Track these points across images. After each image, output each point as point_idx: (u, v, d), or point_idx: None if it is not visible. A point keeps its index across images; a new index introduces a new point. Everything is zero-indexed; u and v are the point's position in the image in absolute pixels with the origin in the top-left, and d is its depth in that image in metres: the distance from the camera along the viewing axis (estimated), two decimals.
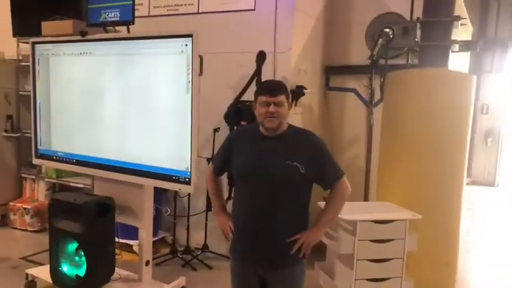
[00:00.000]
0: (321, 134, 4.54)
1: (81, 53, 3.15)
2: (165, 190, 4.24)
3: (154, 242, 4.32)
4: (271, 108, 1.94)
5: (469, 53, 5.02)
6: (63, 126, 3.34)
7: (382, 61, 3.85)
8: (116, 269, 3.20)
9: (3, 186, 4.80)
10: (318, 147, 2.03)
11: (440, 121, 2.94)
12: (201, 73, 2.71)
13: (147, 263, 3.18)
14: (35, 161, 3.55)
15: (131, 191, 3.07)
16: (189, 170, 2.73)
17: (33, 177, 4.82)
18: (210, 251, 4.18)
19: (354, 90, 4.44)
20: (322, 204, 3.00)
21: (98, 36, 3.08)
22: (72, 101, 3.26)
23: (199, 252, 4.13)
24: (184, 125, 2.70)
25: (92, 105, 3.15)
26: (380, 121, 3.52)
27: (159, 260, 3.99)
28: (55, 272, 2.99)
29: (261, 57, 3.76)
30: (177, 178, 2.78)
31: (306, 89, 3.96)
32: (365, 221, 2.58)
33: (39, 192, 4.81)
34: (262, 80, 3.66)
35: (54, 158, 3.40)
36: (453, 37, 3.09)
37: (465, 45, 3.22)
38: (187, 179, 2.74)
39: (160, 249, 4.31)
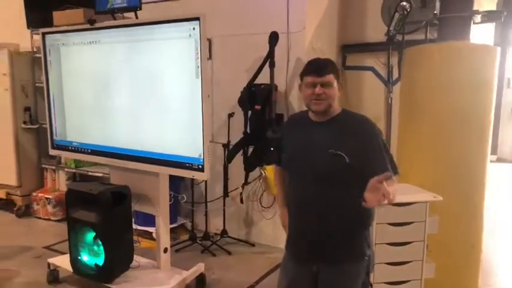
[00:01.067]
0: None
1: (90, 42, 3.12)
2: (182, 177, 4.25)
3: (173, 229, 4.37)
4: (318, 90, 1.76)
5: (494, 24, 4.79)
6: (77, 116, 3.34)
7: (399, 37, 3.69)
8: (135, 256, 3.23)
9: (26, 177, 4.88)
10: (369, 134, 1.79)
11: (462, 97, 2.80)
12: (210, 57, 2.64)
13: (165, 250, 3.19)
14: (52, 152, 3.57)
15: (146, 179, 3.07)
16: (202, 156, 2.68)
17: (54, 167, 4.89)
18: (229, 236, 4.17)
19: (372, 69, 4.30)
20: None
21: (105, 23, 3.04)
22: (84, 90, 3.25)
23: (218, 238, 4.13)
24: (195, 111, 2.65)
25: (103, 94, 3.13)
26: (399, 99, 3.39)
27: (178, 247, 4.01)
28: (75, 261, 3.02)
29: (273, 38, 3.66)
30: (190, 165, 2.75)
31: None
32: (383, 204, 2.49)
33: (60, 182, 4.88)
34: (276, 63, 3.60)
35: (70, 148, 3.41)
36: (475, 7, 2.92)
37: (488, 16, 3.03)
38: (200, 166, 2.70)
39: (180, 236, 4.33)
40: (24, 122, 4.78)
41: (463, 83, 2.80)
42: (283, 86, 3.89)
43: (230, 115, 3.98)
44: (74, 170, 4.75)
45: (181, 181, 4.36)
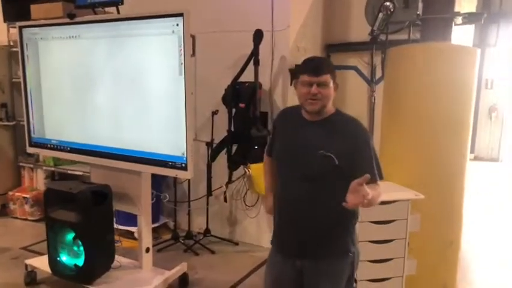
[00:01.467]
0: None
1: (70, 37, 3.04)
2: (165, 176, 4.19)
3: (155, 228, 4.32)
4: (314, 89, 1.74)
5: (473, 26, 4.87)
6: (56, 113, 3.26)
7: (383, 37, 3.71)
8: (117, 256, 3.17)
9: (2, 175, 4.75)
10: (360, 138, 1.80)
11: (443, 97, 2.83)
12: (193, 54, 2.62)
13: (147, 249, 3.14)
14: (29, 150, 3.48)
15: (128, 178, 3.01)
16: (185, 155, 2.65)
17: (31, 165, 4.77)
18: (213, 235, 4.15)
19: (355, 68, 4.32)
20: None
21: (86, 18, 2.97)
22: (63, 87, 3.17)
23: (201, 237, 4.09)
24: (178, 108, 2.61)
25: (83, 90, 3.06)
26: (382, 99, 3.42)
27: (160, 246, 3.96)
28: (54, 262, 2.95)
29: (258, 36, 3.64)
30: (173, 164, 2.71)
31: None
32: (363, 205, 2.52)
33: (38, 181, 4.76)
34: (260, 61, 3.58)
35: (49, 146, 3.32)
36: (456, 9, 2.96)
37: (469, 18, 3.07)
38: (183, 165, 2.67)
39: (162, 235, 4.28)
40: (0, 119, 4.64)
41: (445, 83, 2.83)
42: (268, 84, 3.88)
43: (214, 113, 3.95)
44: (52, 169, 4.64)
45: (164, 180, 4.30)
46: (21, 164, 4.84)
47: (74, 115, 3.15)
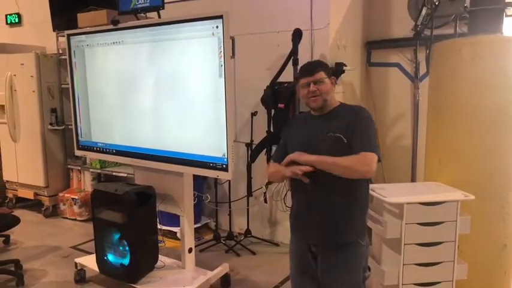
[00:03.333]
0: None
1: (113, 43, 3.13)
2: (205, 177, 4.25)
3: (197, 228, 4.38)
4: (312, 87, 1.94)
5: None
6: (101, 117, 3.37)
7: (427, 32, 3.58)
8: (160, 256, 3.24)
9: (53, 177, 4.97)
10: (360, 116, 1.96)
11: (494, 93, 2.68)
12: (233, 55, 2.62)
13: (190, 250, 3.18)
14: (77, 153, 3.62)
15: (170, 179, 3.06)
16: (226, 156, 2.66)
17: (79, 168, 4.96)
18: (253, 236, 4.15)
19: (398, 65, 4.20)
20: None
21: (128, 24, 3.05)
22: (108, 91, 3.27)
23: (242, 238, 4.10)
24: (218, 110, 2.63)
25: (127, 94, 3.14)
26: (426, 96, 3.29)
27: (203, 247, 4.01)
28: (101, 261, 3.04)
29: (297, 35, 3.61)
30: (214, 165, 2.73)
31: (345, 65, 3.77)
32: (412, 203, 2.41)
33: (85, 183, 4.95)
34: (299, 61, 3.54)
35: (95, 149, 3.44)
36: None
37: None
38: (224, 166, 2.68)
39: (204, 236, 4.32)
40: (51, 124, 4.86)
41: (495, 78, 2.68)
42: None
43: (253, 114, 3.95)
44: (99, 171, 4.81)
45: (205, 181, 4.35)
46: (69, 166, 5.05)
47: (118, 118, 3.24)
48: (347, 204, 1.95)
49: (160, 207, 3.17)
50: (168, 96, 2.90)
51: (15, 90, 4.88)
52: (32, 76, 4.71)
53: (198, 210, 4.37)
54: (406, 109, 4.19)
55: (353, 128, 1.90)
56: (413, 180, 4.12)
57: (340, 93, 3.94)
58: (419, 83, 4.04)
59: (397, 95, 4.26)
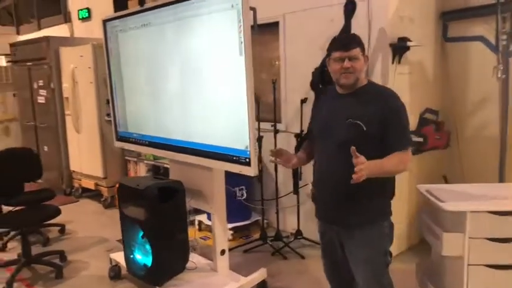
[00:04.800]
0: (438, 99, 3.70)
1: (142, 25, 2.92)
2: None
3: (247, 226, 4.08)
4: (346, 63, 1.85)
5: None
6: (135, 105, 3.20)
7: None
8: (195, 256, 3.01)
9: (111, 168, 5.00)
10: (390, 106, 1.85)
11: None
12: (253, 29, 2.22)
13: (223, 252, 2.88)
14: (116, 144, 3.50)
15: (200, 173, 2.78)
16: (249, 148, 2.29)
17: (135, 159, 4.92)
18: (305, 238, 3.73)
19: (481, 38, 3.45)
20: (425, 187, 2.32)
21: (152, 3, 2.80)
22: (139, 78, 3.09)
23: (291, 239, 3.71)
24: (240, 94, 2.26)
25: (156, 81, 2.92)
26: None
27: (248, 247, 3.69)
28: (128, 260, 2.88)
29: (349, 8, 3.09)
30: (237, 158, 2.38)
31: (410, 41, 3.16)
32: (479, 212, 1.83)
33: (141, 174, 4.89)
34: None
35: (131, 140, 3.28)
36: None
37: None
38: (247, 160, 2.31)
39: (253, 234, 4.00)
40: (108, 114, 4.86)
41: None
42: None
43: (303, 101, 3.52)
44: (152, 162, 4.72)
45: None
46: (127, 157, 5.04)
47: (149, 107, 3.04)
48: (367, 183, 1.75)
49: (192, 203, 2.92)
50: (193, 80, 2.61)
51: (77, 82, 4.97)
52: (90, 67, 4.75)
53: (247, 207, 4.06)
54: (492, 92, 3.43)
55: (385, 122, 1.82)
56: (501, 180, 3.38)
57: (405, 74, 3.34)
58: (509, 59, 3.28)
59: (480, 75, 3.51)
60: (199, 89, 2.56)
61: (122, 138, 3.39)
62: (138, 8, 2.88)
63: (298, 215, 3.72)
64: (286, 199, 3.83)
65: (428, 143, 3.39)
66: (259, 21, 4.05)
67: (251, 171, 2.31)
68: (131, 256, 2.84)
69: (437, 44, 3.62)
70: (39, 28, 7.40)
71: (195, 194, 2.87)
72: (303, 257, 3.48)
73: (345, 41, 1.94)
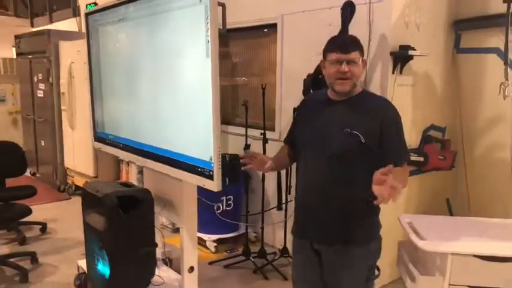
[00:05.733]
0: (446, 114, 3.38)
1: (119, 20, 2.71)
2: (249, 177, 3.74)
3: (235, 238, 3.85)
4: (344, 67, 1.69)
5: None
6: (112, 106, 3.00)
7: None
8: (167, 271, 2.79)
9: (103, 168, 4.87)
10: (389, 117, 1.73)
11: None
12: (223, 28, 1.99)
13: (191, 269, 2.63)
14: (95, 145, 3.31)
15: (171, 183, 2.55)
16: (213, 160, 2.05)
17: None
18: (290, 256, 3.45)
19: (497, 50, 3.11)
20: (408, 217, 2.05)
21: None
22: (116, 77, 2.89)
23: (277, 256, 3.44)
24: (205, 99, 2.02)
25: (131, 80, 2.72)
26: None
27: (230, 261, 3.45)
28: (90, 269, 2.67)
29: (347, 9, 2.83)
30: (201, 170, 2.14)
31: (414, 49, 2.86)
32: (462, 254, 1.54)
33: (132, 175, 4.71)
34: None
35: (107, 141, 3.09)
36: None
37: None
38: (210, 173, 2.07)
39: (239, 247, 3.75)
40: None
41: None
42: (363, 72, 3.01)
43: (296, 109, 3.24)
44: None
45: (247, 182, 3.82)
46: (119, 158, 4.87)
47: (124, 108, 2.84)
48: (360, 199, 1.69)
49: (163, 214, 2.71)
50: (162, 81, 2.39)
51: (73, 77, 4.84)
52: (85, 63, 4.58)
53: (237, 217, 3.83)
54: (506, 109, 3.09)
55: (382, 132, 1.70)
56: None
57: (408, 86, 3.04)
58: None
59: (495, 90, 3.16)
60: (168, 91, 2.34)
61: (99, 138, 3.20)
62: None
63: (285, 232, 3.45)
64: (274, 213, 3.57)
65: (429, 162, 3.07)
66: (256, 23, 3.86)
67: (214, 186, 2.06)
68: (93, 265, 2.63)
69: (447, 55, 3.30)
70: (51, 21, 7.35)
71: (167, 204, 2.65)
72: (285, 278, 3.21)
73: (344, 42, 1.78)
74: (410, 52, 2.82)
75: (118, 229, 2.40)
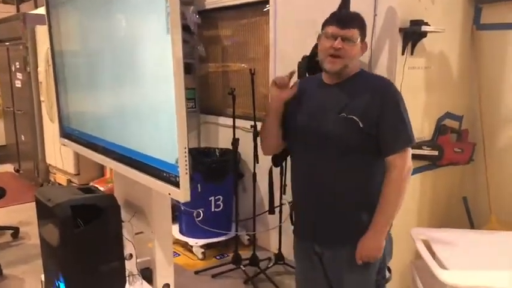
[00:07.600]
0: (463, 101, 2.94)
1: None
2: (242, 176, 3.40)
3: (226, 242, 3.48)
4: (337, 43, 1.59)
5: None
6: (75, 95, 2.61)
7: None
8: (142, 286, 2.40)
9: (85, 165, 4.50)
10: (386, 96, 1.62)
11: None
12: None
13: (166, 286, 2.26)
14: (61, 141, 2.91)
15: (140, 188, 2.15)
16: (178, 163, 1.64)
17: None
18: (286, 264, 3.07)
19: None
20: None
21: None
22: (76, 61, 2.49)
23: (271, 264, 3.06)
24: (167, 84, 1.61)
25: (90, 65, 2.32)
26: None
27: (218, 270, 3.07)
28: (48, 285, 2.30)
29: None
30: (167, 175, 1.74)
31: (428, 25, 2.42)
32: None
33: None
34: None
35: (72, 137, 2.70)
36: None
37: None
38: (176, 178, 1.67)
39: (231, 252, 3.36)
40: None
41: None
42: (367, 52, 2.56)
43: None
44: None
45: (239, 181, 3.45)
46: None
47: (86, 98, 2.45)
48: (360, 193, 1.64)
49: (134, 222, 2.32)
50: (122, 65, 1.98)
51: (50, 65, 4.44)
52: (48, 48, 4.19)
53: (228, 219, 3.45)
54: None
55: (382, 116, 1.58)
56: None
57: (420, 68, 2.61)
58: None
59: None
60: (127, 79, 1.94)
61: (65, 134, 2.81)
62: None
63: (280, 237, 3.07)
64: (269, 216, 3.18)
65: (444, 156, 2.66)
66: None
67: (180, 194, 1.66)
68: (52, 284, 2.26)
69: (465, 32, 2.85)
70: (36, 6, 6.94)
71: (137, 211, 2.27)
72: (277, 287, 2.83)
73: (344, 17, 1.70)
74: (424, 28, 2.38)
75: (74, 244, 2.01)
